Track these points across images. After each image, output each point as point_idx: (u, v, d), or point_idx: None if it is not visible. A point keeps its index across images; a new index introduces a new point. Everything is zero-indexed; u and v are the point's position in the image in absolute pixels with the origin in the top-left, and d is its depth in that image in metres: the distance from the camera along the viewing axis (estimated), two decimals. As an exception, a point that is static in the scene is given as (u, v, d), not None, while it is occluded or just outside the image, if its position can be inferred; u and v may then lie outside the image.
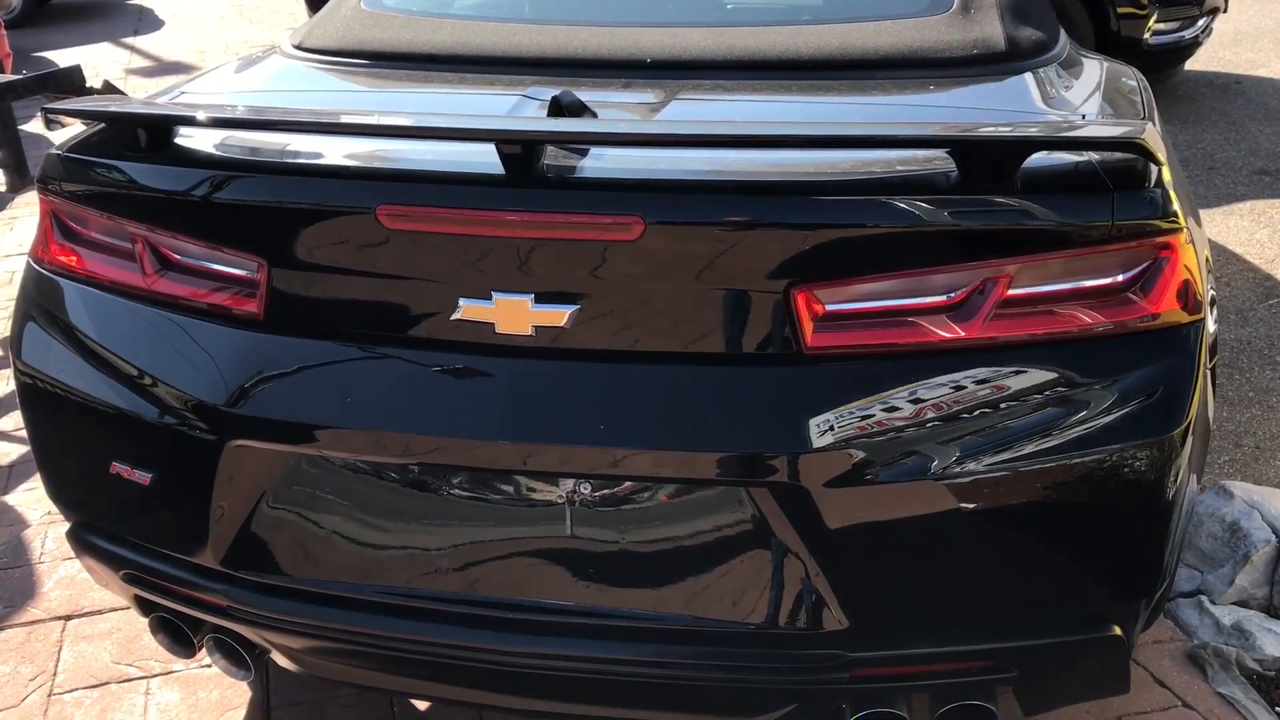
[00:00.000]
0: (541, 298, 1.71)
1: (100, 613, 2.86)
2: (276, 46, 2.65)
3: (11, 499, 3.42)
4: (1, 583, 2.99)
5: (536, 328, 1.72)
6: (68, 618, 2.85)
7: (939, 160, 1.73)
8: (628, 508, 1.76)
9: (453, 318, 1.75)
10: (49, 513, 3.32)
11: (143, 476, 1.94)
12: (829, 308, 1.69)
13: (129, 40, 9.67)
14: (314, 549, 1.87)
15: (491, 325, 1.74)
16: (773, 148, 1.75)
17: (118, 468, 1.96)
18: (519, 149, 1.67)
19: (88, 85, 5.13)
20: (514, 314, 1.72)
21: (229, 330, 1.88)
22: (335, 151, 1.84)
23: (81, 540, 2.13)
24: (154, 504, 1.94)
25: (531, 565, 1.80)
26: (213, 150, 1.89)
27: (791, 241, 1.66)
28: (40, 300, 2.08)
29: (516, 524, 1.80)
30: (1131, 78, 2.44)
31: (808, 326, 1.68)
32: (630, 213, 1.64)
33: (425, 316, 1.77)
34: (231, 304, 1.87)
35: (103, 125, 2.03)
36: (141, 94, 4.95)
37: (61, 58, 8.94)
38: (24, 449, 3.67)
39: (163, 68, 8.70)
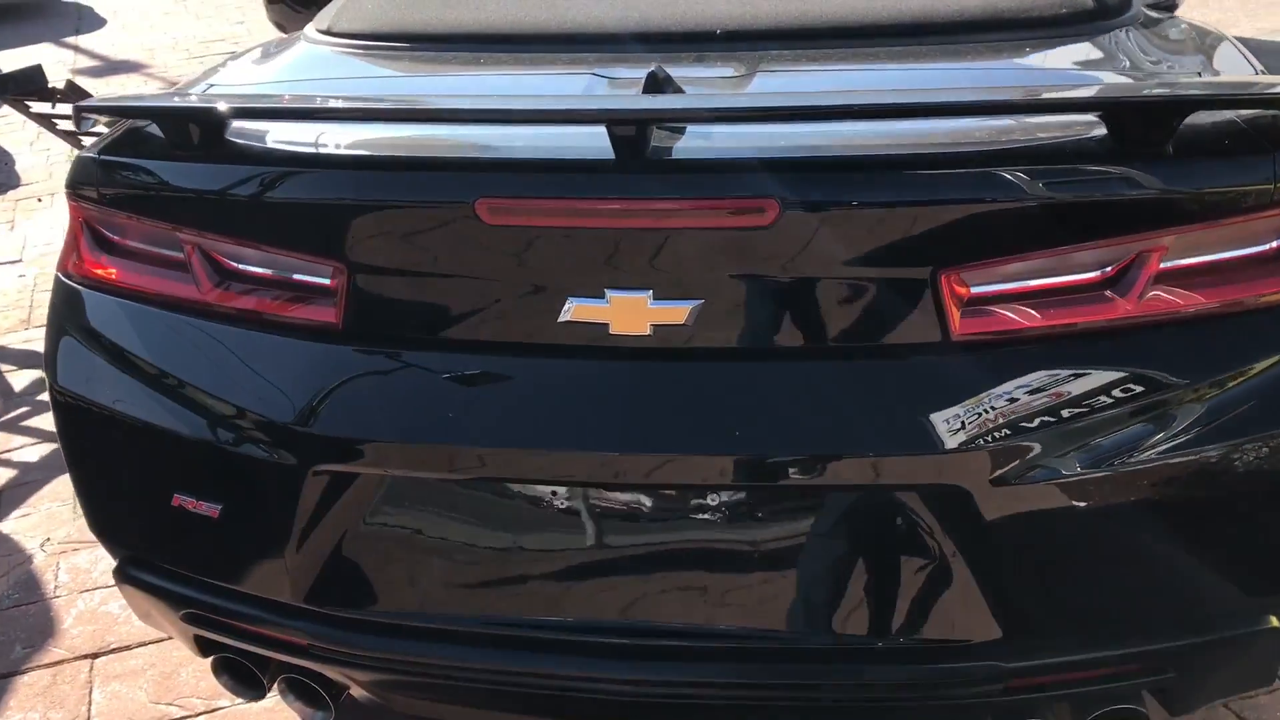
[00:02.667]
0: (661, 293, 1.56)
1: (129, 648, 2.67)
2: (297, 34, 2.46)
3: (6, 527, 3.21)
4: (16, 621, 2.79)
5: (655, 326, 1.57)
6: (94, 655, 2.66)
7: (1080, 125, 1.59)
8: (760, 519, 1.62)
9: (560, 319, 1.59)
10: (49, 539, 3.12)
11: (211, 509, 1.76)
12: (974, 290, 1.56)
13: (71, 40, 9.32)
14: (409, 579, 1.71)
15: (605, 326, 1.58)
16: (933, 116, 1.59)
17: (180, 500, 1.78)
18: (633, 130, 1.52)
19: (50, 86, 4.88)
20: (631, 312, 1.57)
21: (303, 343, 1.70)
22: (421, 142, 1.67)
23: (131, 578, 1.95)
24: (224, 538, 1.77)
25: (654, 586, 1.65)
26: (279, 146, 1.71)
27: (936, 221, 1.52)
28: (76, 317, 1.90)
29: (635, 542, 1.65)
30: (1215, 32, 2.32)
31: (954, 313, 1.54)
32: (765, 195, 1.49)
33: (529, 319, 1.61)
34: (305, 314, 1.70)
35: (135, 123, 1.84)
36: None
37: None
38: (11, 472, 3.45)
39: (111, 67, 8.39)
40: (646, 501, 1.63)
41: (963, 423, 1.52)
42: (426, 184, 1.58)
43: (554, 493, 1.64)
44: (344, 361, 1.67)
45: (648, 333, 1.57)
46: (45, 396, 3.87)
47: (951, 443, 1.52)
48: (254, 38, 8.97)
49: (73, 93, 4.91)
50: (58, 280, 1.94)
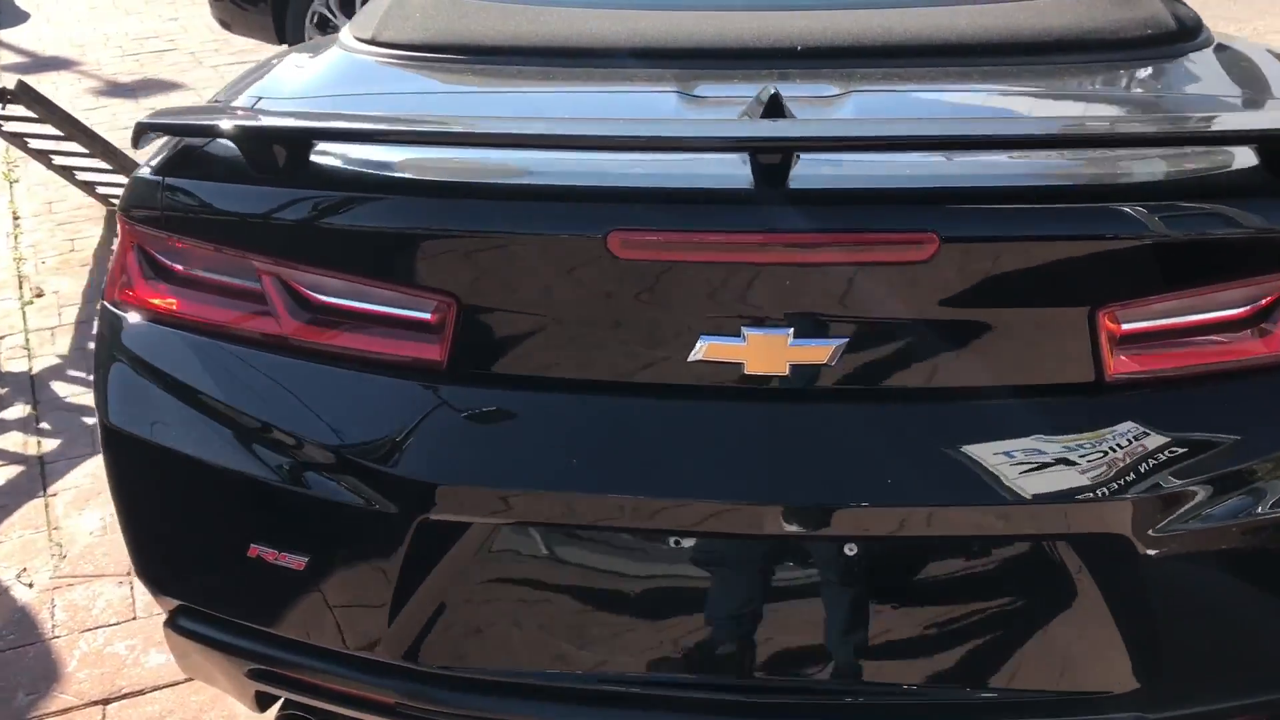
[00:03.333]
0: (802, 331, 1.47)
1: (143, 692, 2.51)
2: (333, 41, 2.32)
3: (-24, 561, 3.02)
4: (15, 665, 2.61)
5: (794, 366, 1.48)
6: (105, 701, 2.50)
7: (1223, 155, 1.54)
8: (900, 572, 1.54)
9: (690, 358, 1.49)
10: (25, 569, 2.94)
11: (295, 561, 1.63)
12: (1125, 327, 1.49)
13: (-8, 34, 8.95)
14: (517, 634, 1.60)
15: (739, 366, 1.49)
16: (1110, 146, 1.53)
17: (259, 550, 1.65)
18: (778, 158, 1.42)
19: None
20: (768, 351, 1.47)
21: (402, 382, 1.58)
22: (539, 169, 1.55)
23: (186, 629, 1.81)
24: (308, 591, 1.64)
25: (786, 641, 1.56)
26: (376, 170, 1.59)
27: (1096, 255, 1.45)
28: (130, 350, 1.75)
29: (765, 596, 1.55)
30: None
31: (1109, 352, 1.48)
32: (925, 229, 1.40)
33: (656, 358, 1.51)
34: (405, 351, 1.58)
35: (193, 140, 1.69)
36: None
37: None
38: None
39: (39, 63, 8.04)
40: (781, 552, 1.54)
41: (1121, 468, 1.46)
42: (554, 215, 1.47)
43: (679, 543, 1.54)
44: (451, 402, 1.56)
45: (785, 373, 1.48)
46: (10, 412, 3.67)
47: (1110, 490, 1.45)
48: (189, 34, 8.69)
49: (24, 94, 4.68)
50: (106, 310, 1.79)
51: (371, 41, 2.15)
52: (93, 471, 3.42)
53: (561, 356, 1.53)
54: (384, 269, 1.56)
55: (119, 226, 1.77)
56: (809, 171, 1.47)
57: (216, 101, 2.02)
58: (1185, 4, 2.19)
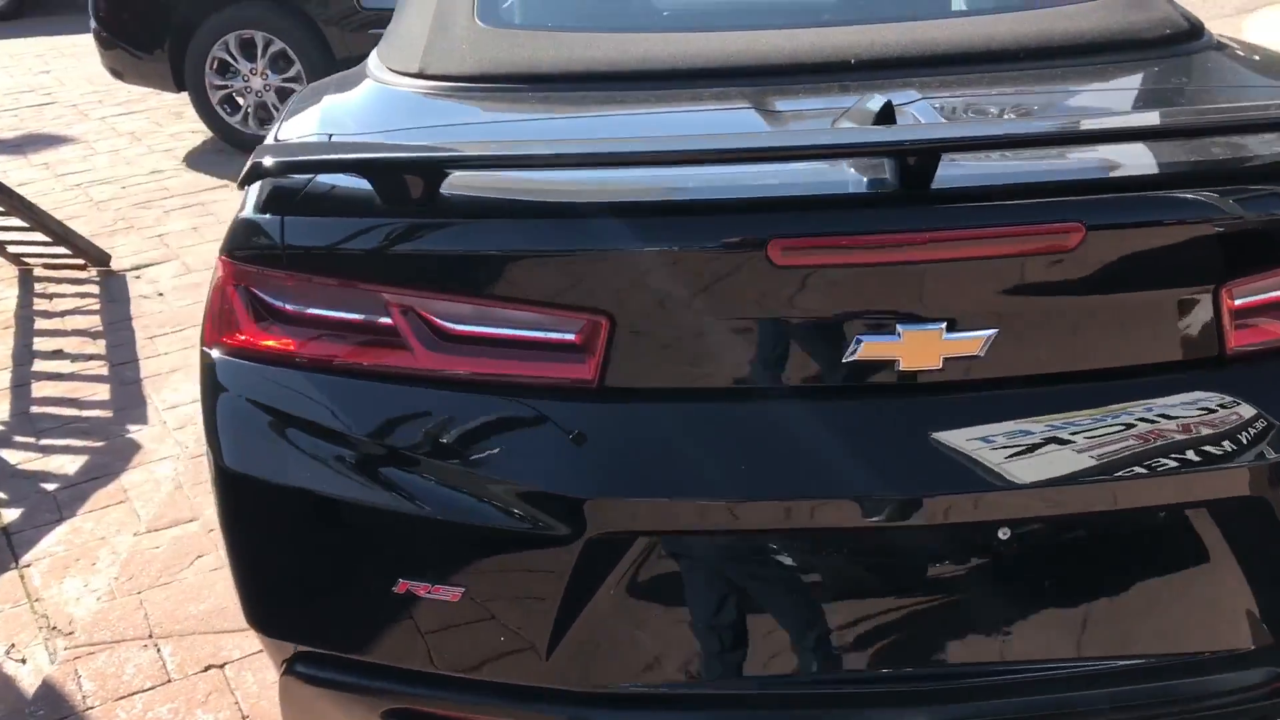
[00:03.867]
0: (955, 325, 1.53)
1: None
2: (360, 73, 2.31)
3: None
4: (53, 741, 2.51)
5: (947, 360, 1.54)
6: (161, 767, 2.41)
7: None
8: (1054, 551, 1.61)
9: (845, 359, 1.54)
10: (14, 645, 2.82)
11: (450, 593, 1.62)
12: (1237, 302, 1.59)
13: None
14: (684, 645, 1.62)
15: (894, 362, 1.54)
16: (1227, 133, 1.62)
17: (408, 586, 1.63)
18: (915, 160, 1.49)
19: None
20: (923, 347, 1.53)
21: (552, 403, 1.59)
22: (690, 185, 1.59)
23: (309, 675, 1.78)
24: (461, 623, 1.63)
25: (952, 628, 1.62)
26: (523, 196, 1.60)
27: (1219, 236, 1.55)
28: (243, 394, 1.72)
29: (932, 587, 1.61)
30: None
31: (1230, 326, 1.57)
32: (1072, 219, 1.48)
33: (811, 362, 1.55)
34: (555, 372, 1.59)
35: (300, 177, 1.67)
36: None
37: None
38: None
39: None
40: (941, 542, 1.59)
41: (1251, 435, 1.55)
42: (713, 228, 1.51)
43: (844, 540, 1.58)
44: (609, 418, 1.58)
45: (939, 366, 1.54)
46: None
47: (1242, 454, 1.55)
48: (66, 87, 8.43)
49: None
50: (209, 357, 1.76)
51: (420, 75, 2.14)
52: (65, 538, 3.30)
53: (717, 366, 1.56)
54: (530, 292, 1.58)
55: (220, 270, 1.74)
56: (951, 172, 1.54)
57: (280, 142, 1.99)
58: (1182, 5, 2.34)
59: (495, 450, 1.60)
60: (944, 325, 1.53)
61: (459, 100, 2.05)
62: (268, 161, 1.56)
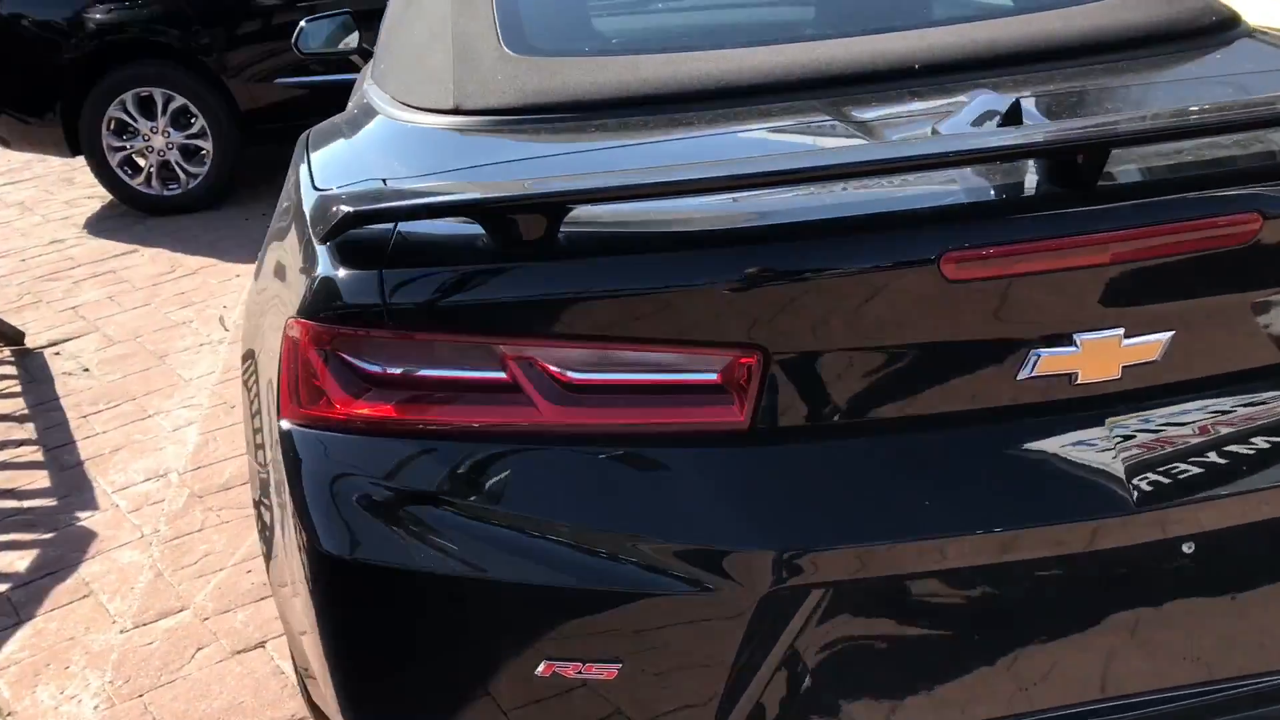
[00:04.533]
0: (1133, 330, 1.44)
1: None
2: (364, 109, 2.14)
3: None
4: None
5: (1126, 368, 1.44)
6: None
7: None
8: (1248, 557, 1.52)
9: (1020, 376, 1.44)
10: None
11: (605, 670, 1.46)
12: None
13: None
14: (870, 693, 1.48)
15: (1071, 376, 1.44)
16: None
17: (554, 667, 1.47)
18: (1083, 158, 1.40)
19: None
20: (1102, 356, 1.44)
21: (699, 450, 1.46)
22: (844, 202, 1.46)
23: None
24: (619, 704, 1.47)
25: (1159, 645, 1.51)
26: (657, 229, 1.46)
27: None
28: (343, 469, 1.54)
29: (1127, 606, 1.50)
30: None
31: None
32: (1248, 210, 1.40)
33: (982, 382, 1.45)
34: (700, 417, 1.45)
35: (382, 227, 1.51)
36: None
37: None
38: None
39: None
40: (1132, 560, 1.49)
41: None
42: (881, 246, 1.39)
43: (1035, 568, 1.47)
44: (765, 462, 1.44)
45: (1117, 376, 1.44)
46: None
47: None
48: (-61, 160, 7.96)
49: None
50: (288, 432, 1.58)
51: (456, 111, 1.98)
52: (29, 642, 3.03)
53: (881, 396, 1.45)
54: (666, 331, 1.44)
55: (296, 334, 1.57)
56: (1113, 169, 1.45)
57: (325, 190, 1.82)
58: None
59: (639, 508, 1.46)
60: (1121, 331, 1.43)
61: (508, 135, 1.90)
62: (360, 208, 1.40)
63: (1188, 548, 1.50)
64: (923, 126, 1.64)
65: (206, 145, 6.62)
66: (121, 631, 2.99)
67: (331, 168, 1.96)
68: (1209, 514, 1.46)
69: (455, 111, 1.98)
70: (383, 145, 2.00)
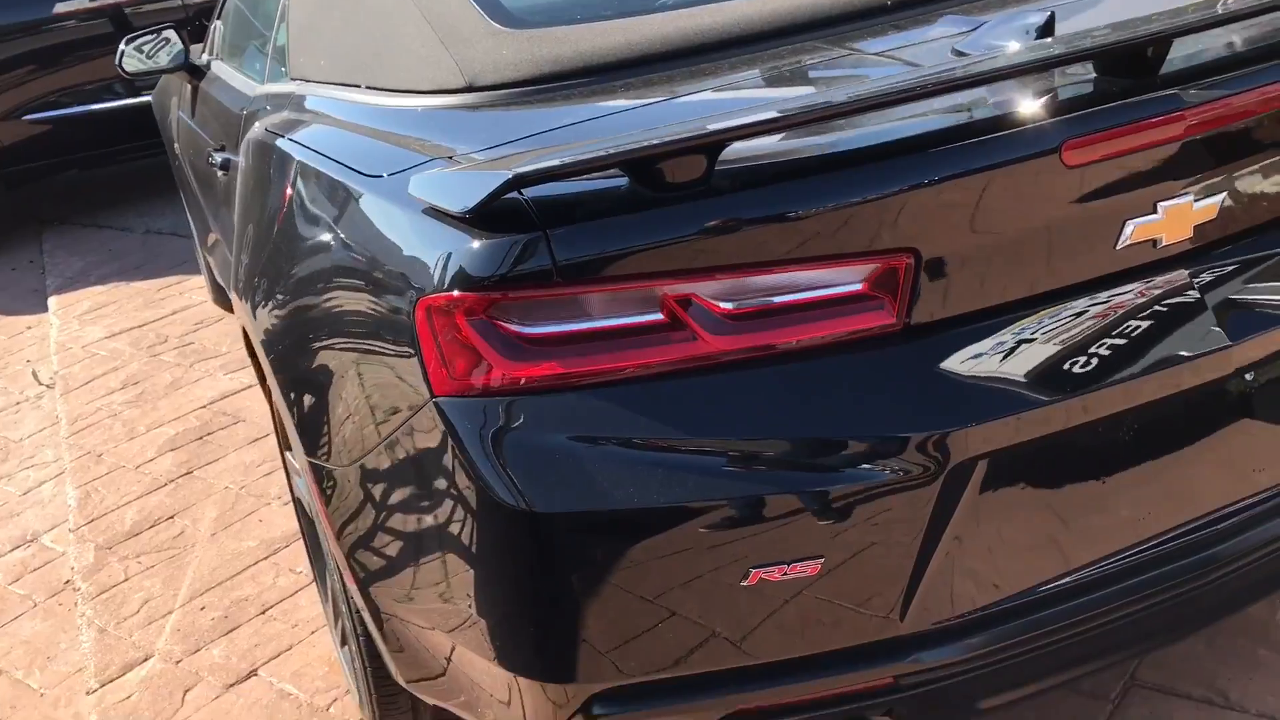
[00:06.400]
0: (1200, 194, 1.68)
1: None
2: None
3: None
4: None
5: (1197, 227, 1.69)
6: None
7: None
8: None
9: (1117, 246, 1.65)
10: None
11: (809, 566, 1.58)
12: None
13: None
14: (1032, 548, 1.67)
15: (1155, 240, 1.67)
16: None
17: (760, 574, 1.58)
18: (1152, 50, 1.63)
19: None
20: (1179, 220, 1.68)
21: (860, 354, 1.60)
22: (973, 107, 1.63)
23: (620, 712, 1.67)
24: (813, 600, 1.59)
25: (1227, 467, 1.76)
26: (798, 155, 1.58)
27: None
28: (511, 431, 1.58)
29: (1210, 433, 1.75)
30: None
31: None
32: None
33: (1091, 254, 1.65)
34: (856, 324, 1.59)
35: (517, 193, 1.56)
36: None
37: None
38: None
39: None
40: (1228, 392, 1.73)
41: None
42: (1010, 144, 1.56)
43: (1160, 411, 1.68)
44: (923, 355, 1.60)
45: (1190, 235, 1.68)
46: None
47: None
48: None
49: None
50: (452, 405, 1.60)
51: (470, 89, 2.02)
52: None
53: (1012, 279, 1.62)
54: (822, 248, 1.56)
55: (444, 310, 1.59)
56: (1176, 54, 1.67)
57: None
58: None
59: (817, 411, 1.58)
60: (1191, 197, 1.66)
61: (539, 105, 1.96)
62: (525, 170, 1.45)
63: (1250, 375, 1.75)
64: (942, 53, 1.82)
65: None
66: (88, 693, 2.84)
67: (367, 158, 1.96)
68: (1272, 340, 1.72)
69: (469, 89, 2.02)
70: (403, 129, 2.01)
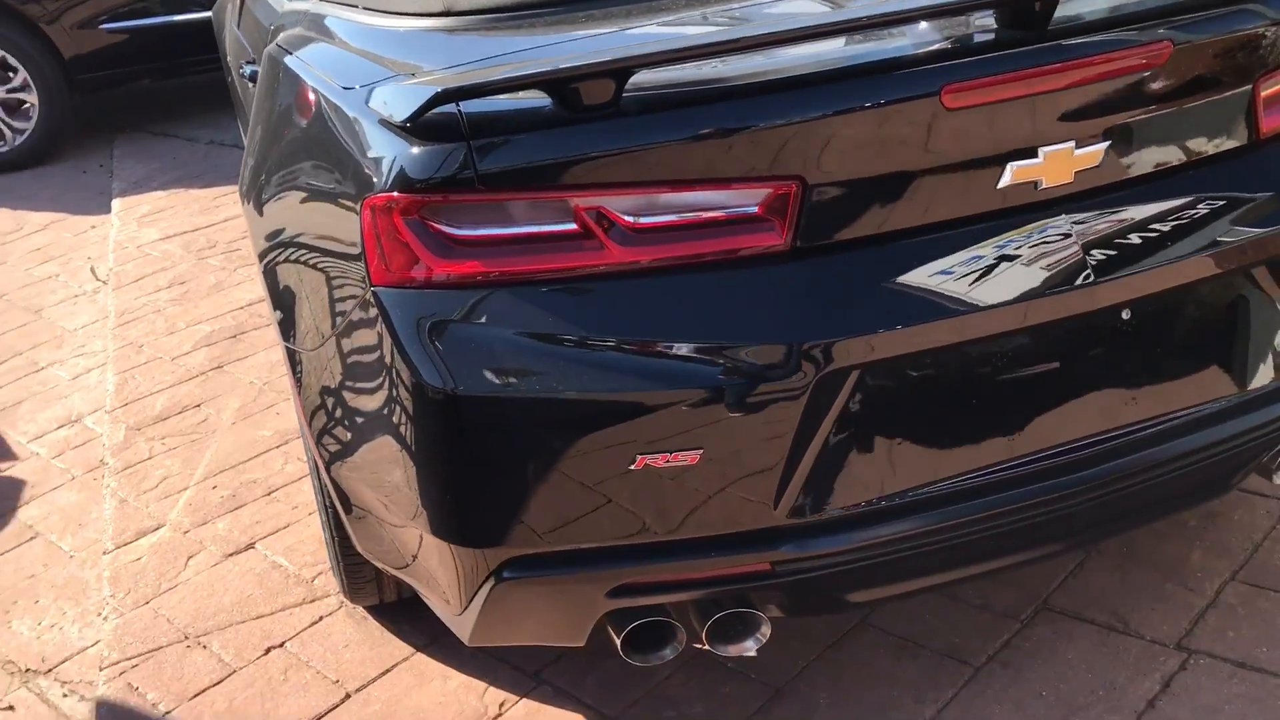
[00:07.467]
0: (1082, 141, 1.82)
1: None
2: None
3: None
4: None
5: (1078, 173, 1.83)
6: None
7: None
8: (1161, 321, 1.93)
9: (998, 185, 1.80)
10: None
11: (689, 456, 1.77)
12: (1267, 92, 1.96)
13: None
14: (886, 462, 1.84)
15: (1036, 182, 1.81)
16: None
17: (646, 460, 1.77)
18: (1040, 5, 1.76)
19: None
20: (1059, 164, 1.81)
21: (748, 271, 1.77)
22: (861, 50, 1.79)
23: (527, 577, 1.87)
24: (692, 486, 1.78)
25: (1097, 398, 1.91)
26: (703, 84, 1.75)
27: (1255, 39, 1.90)
28: (434, 320, 1.77)
29: (1081, 364, 1.89)
30: None
31: (1261, 114, 1.94)
32: (1161, 40, 1.80)
33: (971, 192, 1.80)
34: (745, 243, 1.76)
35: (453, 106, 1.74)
36: None
37: None
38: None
39: None
40: (1089, 327, 1.88)
41: None
42: (893, 84, 1.72)
43: (1021, 340, 1.84)
44: (809, 272, 1.76)
45: (1070, 180, 1.83)
46: None
47: None
48: None
49: None
50: (388, 295, 1.80)
51: (447, 13, 2.21)
52: None
53: (897, 211, 1.78)
54: (719, 171, 1.73)
55: (382, 206, 1.78)
56: (1064, 13, 1.81)
57: (348, 88, 2.03)
58: None
59: (709, 319, 1.75)
60: (1073, 143, 1.81)
61: (504, 31, 2.14)
62: (451, 86, 1.64)
63: (1125, 314, 1.90)
64: None
65: (30, 98, 6.46)
66: (104, 553, 3.12)
67: (347, 72, 2.16)
68: (1144, 281, 1.86)
69: (446, 14, 2.21)
70: (384, 47, 2.21)
